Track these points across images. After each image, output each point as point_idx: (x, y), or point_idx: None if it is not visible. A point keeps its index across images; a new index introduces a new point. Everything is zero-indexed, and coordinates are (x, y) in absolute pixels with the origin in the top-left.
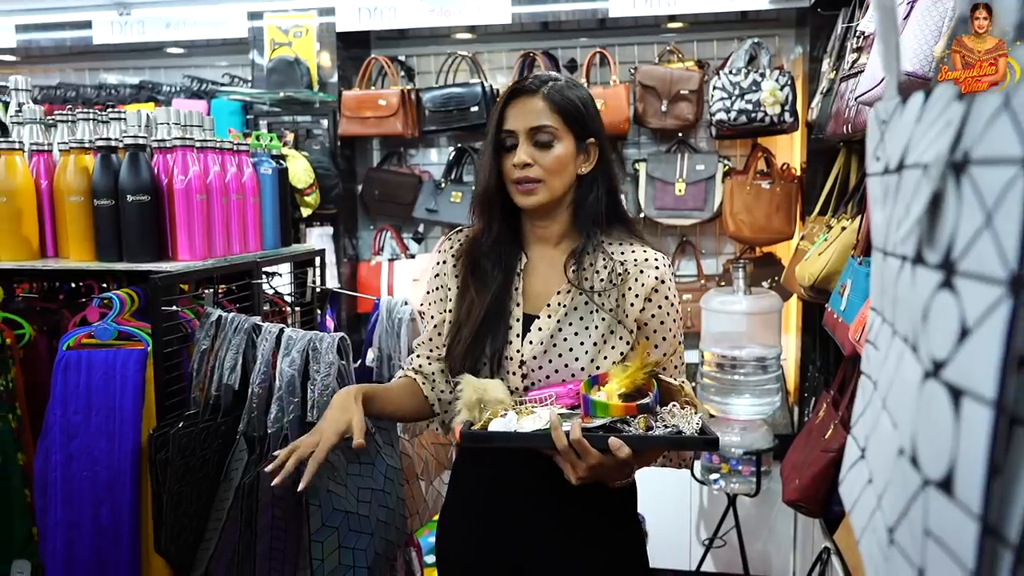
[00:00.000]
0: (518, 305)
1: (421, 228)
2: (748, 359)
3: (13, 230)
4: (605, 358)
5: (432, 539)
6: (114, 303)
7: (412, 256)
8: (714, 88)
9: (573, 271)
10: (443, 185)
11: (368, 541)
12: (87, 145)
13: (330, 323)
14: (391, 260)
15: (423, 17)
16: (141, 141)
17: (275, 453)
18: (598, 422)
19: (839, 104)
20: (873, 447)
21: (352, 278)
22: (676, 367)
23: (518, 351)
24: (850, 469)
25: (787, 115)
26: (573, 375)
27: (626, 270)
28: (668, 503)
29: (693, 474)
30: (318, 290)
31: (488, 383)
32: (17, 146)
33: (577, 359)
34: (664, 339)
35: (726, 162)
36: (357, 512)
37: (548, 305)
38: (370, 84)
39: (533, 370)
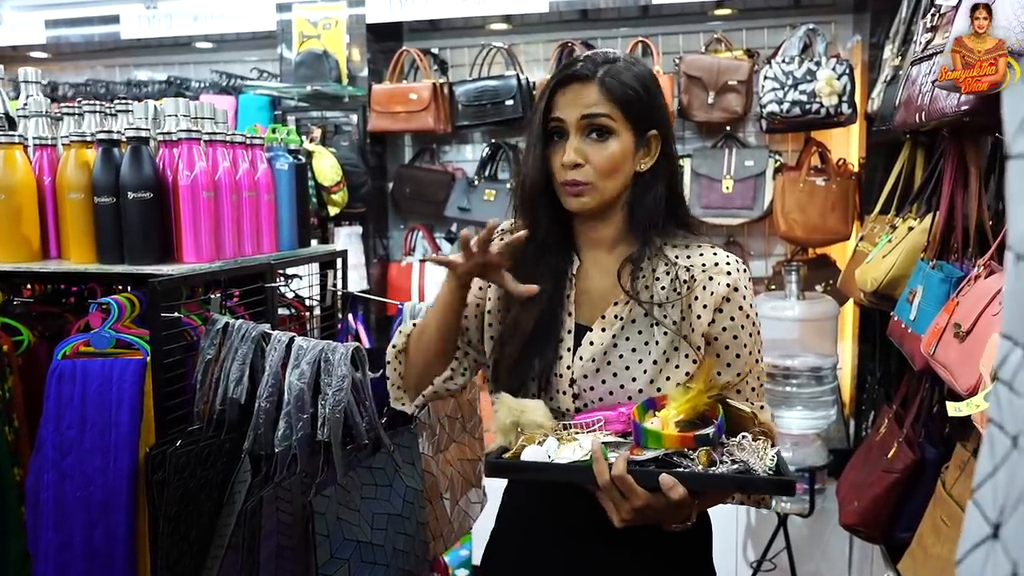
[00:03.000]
0: (570, 315)
1: (454, 227)
2: (802, 369)
3: (12, 229)
4: (668, 379)
5: (463, 552)
6: (112, 308)
7: None
8: (765, 78)
9: (630, 281)
10: (476, 183)
11: (383, 573)
12: (88, 139)
13: (357, 326)
14: (423, 261)
15: (456, 6)
16: (143, 134)
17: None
18: (650, 454)
19: (910, 91)
20: (1016, 527)
21: (382, 279)
22: (754, 390)
23: (568, 367)
24: (974, 548)
25: (844, 106)
26: (630, 397)
27: (692, 277)
28: (714, 521)
29: None
30: (339, 293)
31: (527, 403)
32: (17, 140)
33: (635, 379)
34: (738, 356)
35: (777, 157)
36: (371, 541)
37: (603, 317)
38: (401, 77)
39: (585, 390)
